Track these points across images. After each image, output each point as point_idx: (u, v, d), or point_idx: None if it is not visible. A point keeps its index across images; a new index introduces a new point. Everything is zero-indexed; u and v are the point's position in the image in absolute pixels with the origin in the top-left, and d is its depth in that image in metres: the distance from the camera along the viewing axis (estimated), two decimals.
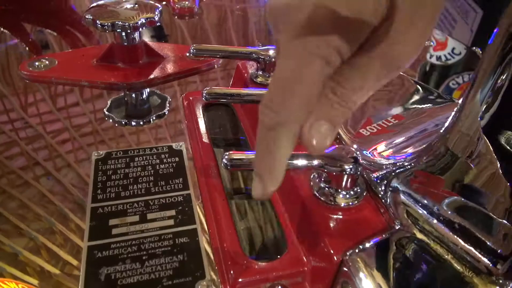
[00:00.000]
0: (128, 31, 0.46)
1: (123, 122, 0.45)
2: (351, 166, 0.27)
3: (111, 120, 0.45)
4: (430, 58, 0.63)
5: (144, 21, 0.46)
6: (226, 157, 0.27)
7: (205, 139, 0.38)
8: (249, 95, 0.33)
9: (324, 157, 0.27)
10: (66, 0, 0.75)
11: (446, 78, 0.60)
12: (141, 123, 0.45)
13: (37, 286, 0.28)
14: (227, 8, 0.78)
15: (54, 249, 0.30)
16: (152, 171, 0.35)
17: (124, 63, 0.50)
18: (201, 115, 0.42)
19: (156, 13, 0.47)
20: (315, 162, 0.26)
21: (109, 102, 0.48)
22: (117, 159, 0.37)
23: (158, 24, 0.48)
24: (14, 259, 0.30)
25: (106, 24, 0.45)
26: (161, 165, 0.36)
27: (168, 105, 0.47)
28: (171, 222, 0.31)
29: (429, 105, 0.38)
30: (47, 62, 0.50)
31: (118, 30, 0.45)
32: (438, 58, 0.63)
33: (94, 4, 0.48)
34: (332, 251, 0.25)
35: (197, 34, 0.68)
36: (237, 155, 0.27)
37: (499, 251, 0.22)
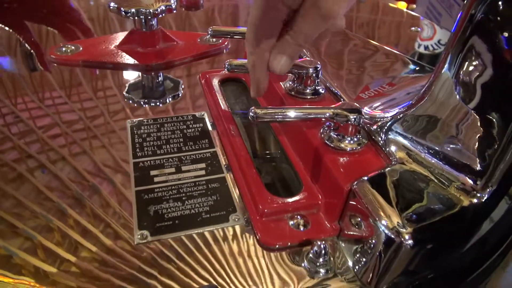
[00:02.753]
0: (149, 17, 0.51)
1: (142, 102, 0.50)
2: (355, 116, 0.32)
3: (130, 101, 0.50)
4: (419, 47, 0.69)
5: (164, 8, 0.51)
6: (252, 110, 0.32)
7: (224, 107, 0.44)
8: None
9: (333, 109, 0.32)
10: None
11: (433, 66, 0.66)
12: (158, 103, 0.50)
13: (33, 285, 0.28)
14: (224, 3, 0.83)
15: (51, 247, 0.30)
16: (180, 134, 0.41)
17: (143, 48, 0.56)
18: (218, 89, 0.47)
19: (173, 1, 0.53)
20: (327, 113, 0.32)
21: (127, 85, 0.53)
22: (149, 126, 0.42)
23: (174, 11, 0.53)
24: (8, 262, 0.29)
25: (130, 11, 0.50)
26: (187, 130, 0.42)
27: (181, 87, 0.52)
28: (202, 172, 0.36)
29: (416, 74, 0.44)
30: (73, 48, 0.55)
31: (141, 17, 0.51)
32: (426, 47, 0.69)
33: None
34: (341, 183, 0.31)
35: (202, 23, 0.73)
36: (261, 108, 0.32)
37: (477, 170, 0.27)
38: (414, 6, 1.62)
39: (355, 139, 0.34)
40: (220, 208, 0.33)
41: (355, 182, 0.30)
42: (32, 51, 0.61)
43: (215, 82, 0.49)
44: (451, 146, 0.29)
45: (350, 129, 0.33)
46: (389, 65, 0.47)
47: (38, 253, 0.30)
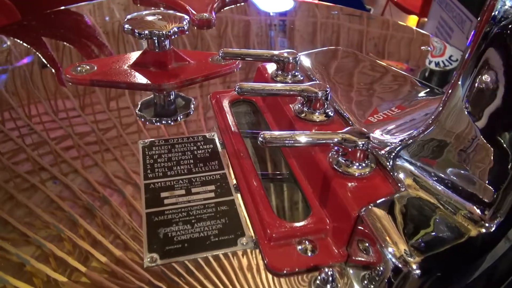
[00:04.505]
0: (162, 38, 0.53)
1: (153, 120, 0.51)
2: (363, 142, 0.33)
3: (142, 119, 0.51)
4: (429, 64, 0.69)
5: (176, 29, 0.52)
6: (261, 135, 0.33)
7: (234, 129, 0.44)
8: (276, 89, 0.40)
9: (342, 134, 0.33)
10: (82, 16, 0.82)
11: (445, 83, 0.66)
12: (169, 121, 0.51)
13: None
14: (236, 20, 0.84)
15: (62, 256, 0.31)
16: (191, 155, 0.42)
17: (155, 68, 0.57)
18: (229, 110, 0.48)
19: (185, 23, 0.54)
20: (335, 139, 0.32)
21: (139, 103, 0.54)
22: (160, 146, 0.43)
23: (187, 32, 0.55)
24: (20, 270, 0.30)
25: (143, 33, 0.51)
26: (198, 151, 0.42)
27: (192, 105, 0.53)
28: (212, 194, 0.37)
29: (426, 96, 0.44)
30: (88, 67, 0.56)
31: (154, 38, 0.52)
32: (437, 64, 0.69)
33: (129, 16, 0.55)
34: (349, 209, 0.31)
35: (214, 38, 0.75)
36: (271, 133, 0.33)
37: (485, 200, 0.27)
38: (426, 19, 1.62)
39: (364, 164, 0.34)
40: (228, 231, 0.34)
41: (363, 209, 0.30)
42: (49, 66, 0.63)
43: (226, 103, 0.50)
44: (459, 173, 0.29)
45: (358, 154, 0.33)
46: (399, 87, 0.48)
47: (49, 261, 0.30)
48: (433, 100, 0.43)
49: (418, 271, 0.25)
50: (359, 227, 0.30)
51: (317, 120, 0.40)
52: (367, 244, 0.30)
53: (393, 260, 0.27)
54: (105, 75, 0.55)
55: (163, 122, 0.51)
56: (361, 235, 0.30)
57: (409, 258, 0.26)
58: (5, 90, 0.57)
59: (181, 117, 0.51)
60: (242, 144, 0.42)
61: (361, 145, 0.33)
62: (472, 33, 0.28)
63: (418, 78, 0.63)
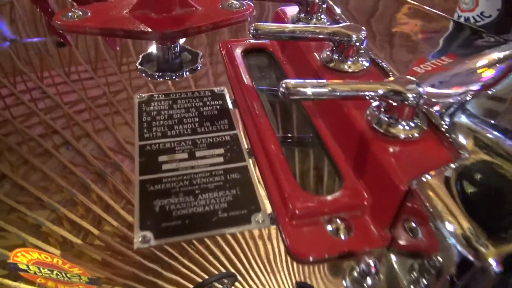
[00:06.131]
0: None
1: (156, 76, 0.44)
2: (414, 95, 0.25)
3: (144, 74, 0.44)
4: (458, 18, 0.60)
5: None
6: (283, 84, 0.25)
7: (247, 82, 0.37)
8: (299, 31, 0.32)
9: (388, 85, 0.25)
10: None
11: (470, 42, 0.58)
12: (174, 77, 0.44)
13: (59, 256, 0.29)
14: None
15: (76, 220, 0.31)
16: (196, 113, 0.35)
17: (157, 13, 0.49)
18: (241, 61, 0.41)
19: None
20: (381, 90, 0.25)
21: (140, 56, 0.47)
22: (160, 102, 0.36)
23: None
24: (37, 230, 0.30)
25: None
26: (204, 108, 0.35)
27: (200, 60, 0.46)
28: (220, 159, 0.30)
29: (483, 44, 0.36)
30: (80, 13, 0.49)
31: None
32: (467, 19, 0.60)
33: None
34: (396, 181, 0.24)
35: None
36: (296, 81, 0.25)
37: None
38: None
39: (412, 124, 0.27)
40: (241, 206, 0.27)
41: (415, 181, 0.23)
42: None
43: (238, 52, 0.42)
44: None
45: (406, 110, 0.26)
46: (447, 33, 0.39)
47: (63, 224, 0.31)
48: (493, 49, 0.35)
49: (498, 267, 0.19)
50: (409, 204, 0.24)
51: (349, 71, 0.33)
52: (418, 226, 0.23)
53: (460, 249, 0.20)
54: (100, 22, 0.48)
55: (166, 77, 0.44)
56: (412, 214, 0.24)
57: (482, 249, 0.19)
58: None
59: (187, 72, 0.44)
60: (257, 100, 0.35)
61: (412, 98, 0.25)
62: None
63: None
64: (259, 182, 0.29)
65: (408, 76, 0.27)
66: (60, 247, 0.29)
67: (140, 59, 0.47)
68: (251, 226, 0.26)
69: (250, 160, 0.30)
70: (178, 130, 0.33)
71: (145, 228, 0.25)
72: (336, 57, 0.33)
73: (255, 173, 0.29)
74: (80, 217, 0.31)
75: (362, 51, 0.33)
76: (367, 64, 0.33)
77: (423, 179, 0.23)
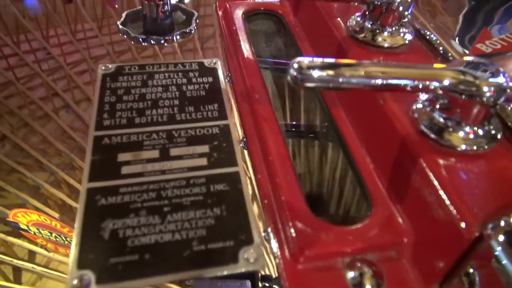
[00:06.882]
0: None
1: (140, 39, 0.35)
2: (492, 89, 0.17)
3: (125, 36, 0.36)
4: None
5: None
6: (294, 64, 0.17)
7: (247, 54, 0.28)
8: None
9: (456, 71, 0.17)
10: None
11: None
12: (162, 41, 0.35)
13: (58, 219, 0.30)
14: None
15: (74, 185, 0.32)
16: (177, 92, 0.26)
17: None
18: (242, 25, 0.32)
19: None
20: (446, 81, 0.16)
21: (123, 15, 0.38)
22: (131, 75, 0.27)
23: None
24: (36, 192, 0.32)
25: None
26: (189, 86, 0.27)
27: (195, 22, 0.37)
28: (203, 161, 0.22)
29: None
30: None
31: None
32: None
33: None
34: (463, 222, 0.16)
35: None
36: (313, 60, 0.17)
37: None
38: None
39: (480, 131, 0.18)
40: (225, 234, 0.19)
41: (491, 224, 0.15)
42: None
43: (238, 14, 0.33)
44: None
45: (475, 111, 0.18)
46: None
47: (62, 188, 0.32)
48: None
49: None
50: (478, 253, 0.16)
51: (385, 46, 0.24)
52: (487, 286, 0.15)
53: None
54: None
55: (152, 41, 0.36)
56: (479, 267, 0.16)
57: None
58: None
59: (178, 36, 0.35)
60: (258, 79, 0.26)
61: (488, 94, 0.17)
62: None
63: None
64: (253, 198, 0.21)
65: (481, 59, 0.18)
66: (59, 210, 0.30)
67: (123, 17, 0.38)
68: (238, 266, 0.18)
69: (244, 165, 0.22)
70: (150, 116, 0.24)
71: (85, 265, 0.17)
72: (369, 26, 0.24)
73: (249, 185, 0.21)
74: (79, 181, 0.31)
75: (405, 20, 0.24)
76: (410, 37, 0.24)
77: (503, 223, 0.15)
